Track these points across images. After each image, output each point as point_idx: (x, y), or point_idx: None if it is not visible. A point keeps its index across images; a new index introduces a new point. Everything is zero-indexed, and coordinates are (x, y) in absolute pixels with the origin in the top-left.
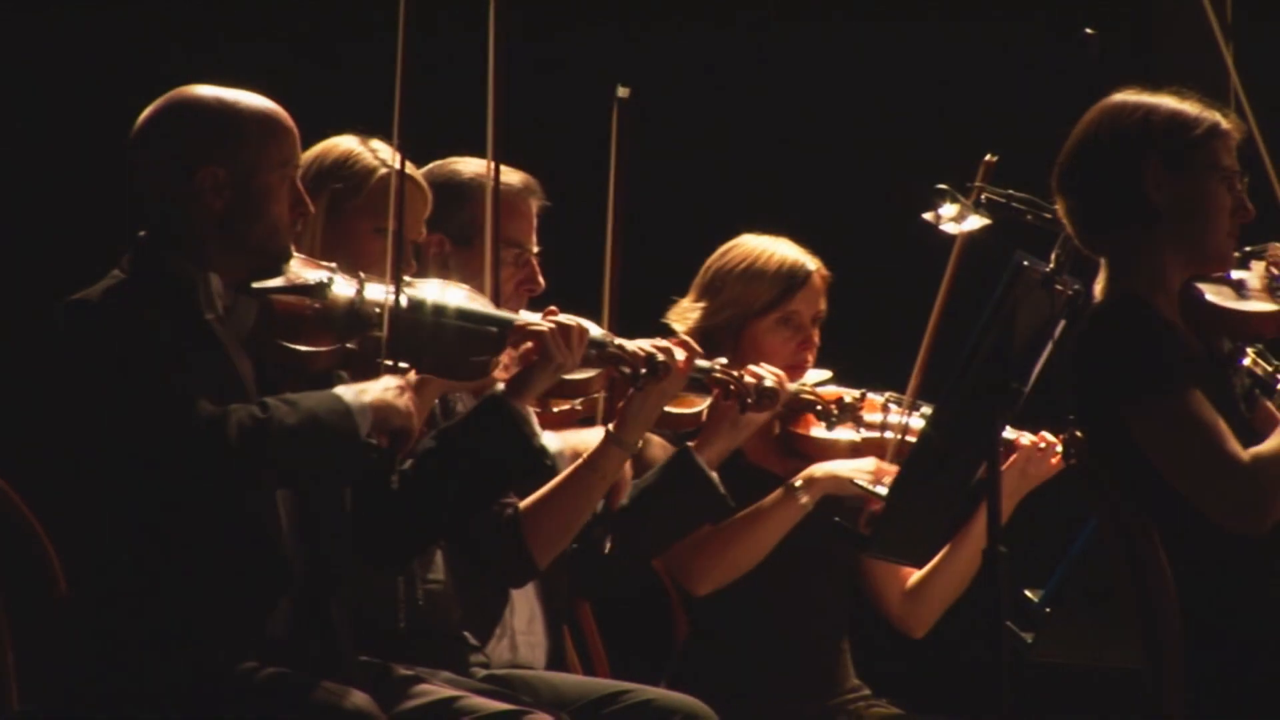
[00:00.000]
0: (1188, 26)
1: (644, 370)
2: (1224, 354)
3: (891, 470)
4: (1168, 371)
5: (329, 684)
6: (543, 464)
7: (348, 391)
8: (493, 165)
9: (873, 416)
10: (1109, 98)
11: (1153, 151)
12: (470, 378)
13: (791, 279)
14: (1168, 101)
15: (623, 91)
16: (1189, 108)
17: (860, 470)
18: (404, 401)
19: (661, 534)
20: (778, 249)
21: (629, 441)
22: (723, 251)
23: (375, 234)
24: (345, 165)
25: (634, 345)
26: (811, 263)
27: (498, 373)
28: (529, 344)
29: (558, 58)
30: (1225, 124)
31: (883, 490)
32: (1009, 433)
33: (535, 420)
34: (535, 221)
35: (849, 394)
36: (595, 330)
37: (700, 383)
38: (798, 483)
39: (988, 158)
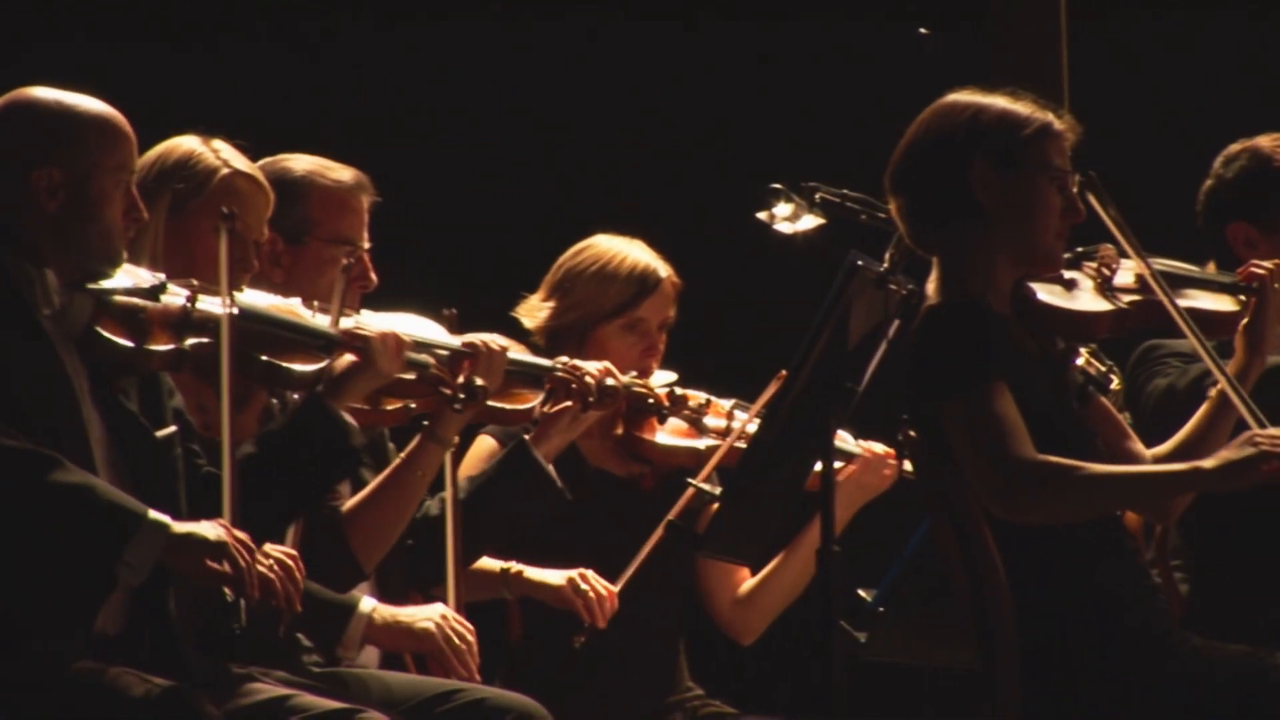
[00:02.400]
0: (1024, 26)
1: (463, 396)
2: (1058, 353)
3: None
4: (979, 368)
5: (167, 682)
6: (359, 461)
7: (160, 514)
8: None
9: (716, 422)
10: (942, 98)
11: (980, 151)
12: (300, 387)
13: (642, 284)
14: (999, 102)
15: None
16: (1020, 108)
17: (554, 584)
18: (215, 534)
19: (497, 527)
20: (630, 253)
21: (446, 437)
22: (576, 251)
23: (216, 235)
24: (187, 166)
25: (453, 337)
26: (663, 269)
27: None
28: (354, 352)
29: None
30: (1058, 124)
31: (718, 490)
32: (849, 444)
33: (353, 421)
34: (367, 218)
35: (694, 396)
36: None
37: (532, 377)
38: (511, 569)
39: None
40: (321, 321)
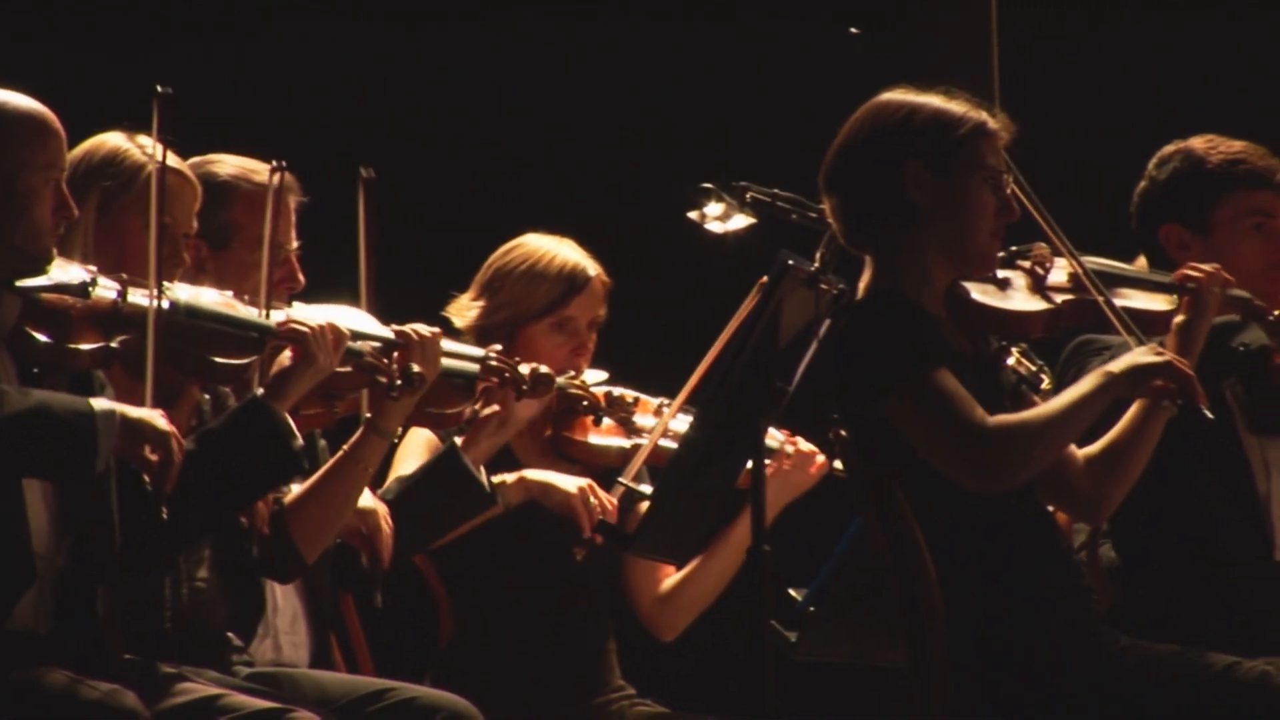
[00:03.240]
0: (955, 25)
1: (399, 382)
2: (990, 352)
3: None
4: (920, 357)
5: (97, 683)
6: (300, 467)
7: (102, 400)
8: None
9: (646, 421)
10: (876, 97)
11: (914, 151)
12: (231, 381)
13: (571, 283)
14: (933, 101)
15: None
16: (954, 107)
17: (566, 489)
18: (160, 422)
19: (425, 529)
20: (560, 252)
21: (388, 429)
22: (505, 250)
23: (146, 230)
24: (113, 162)
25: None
26: (592, 268)
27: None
28: (289, 346)
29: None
30: (992, 124)
31: (648, 489)
32: (773, 440)
33: (294, 422)
34: (294, 218)
35: (624, 394)
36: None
37: (468, 386)
38: (508, 479)
39: None
40: (257, 314)
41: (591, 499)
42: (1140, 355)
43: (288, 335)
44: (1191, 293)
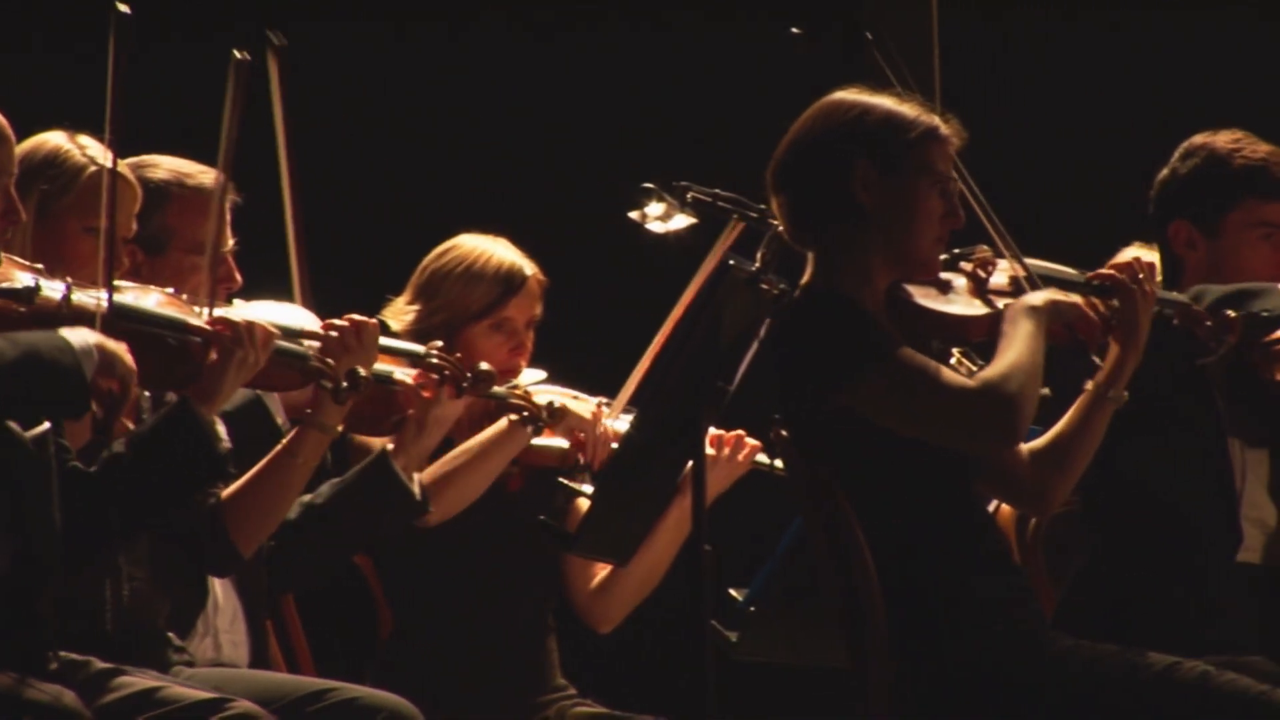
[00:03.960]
0: (897, 26)
1: (345, 384)
2: (931, 355)
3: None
4: (879, 340)
5: (38, 683)
6: (224, 470)
7: (70, 331)
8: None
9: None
10: (828, 96)
11: (863, 151)
12: (182, 385)
13: (509, 283)
14: (885, 103)
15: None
16: (906, 110)
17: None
18: (130, 359)
19: (354, 536)
20: (496, 252)
21: (328, 425)
22: (440, 252)
23: (85, 233)
24: (53, 164)
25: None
26: (529, 267)
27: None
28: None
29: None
30: (943, 129)
31: (589, 489)
32: None
33: (221, 425)
34: (230, 218)
35: (564, 407)
36: (299, 317)
37: (408, 361)
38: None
39: None
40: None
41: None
42: (1049, 292)
43: (215, 334)
44: (1113, 291)
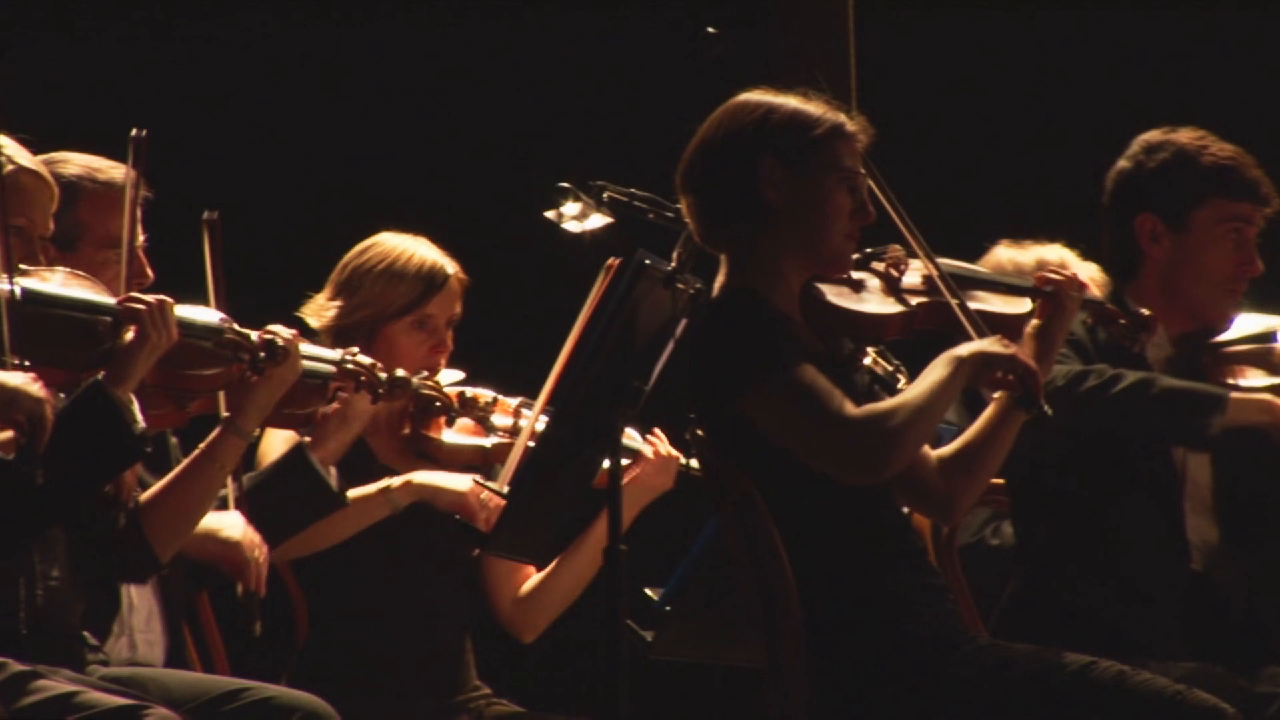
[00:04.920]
0: (811, 26)
1: (262, 354)
2: (845, 354)
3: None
4: (776, 352)
5: None
6: (140, 450)
7: None
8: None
9: (504, 420)
10: (735, 97)
11: (769, 150)
12: (93, 367)
13: (430, 282)
14: (791, 102)
15: None
16: (812, 108)
17: (456, 489)
18: (35, 389)
19: (273, 529)
20: (417, 250)
21: (246, 429)
22: (361, 249)
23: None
24: None
25: (250, 331)
26: (450, 266)
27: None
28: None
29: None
30: (849, 126)
31: (505, 489)
32: (634, 441)
33: (136, 406)
34: (140, 213)
35: (481, 395)
36: (212, 317)
37: (323, 387)
38: (394, 483)
39: None
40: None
41: (484, 494)
42: (988, 343)
43: (124, 314)
44: (1049, 296)
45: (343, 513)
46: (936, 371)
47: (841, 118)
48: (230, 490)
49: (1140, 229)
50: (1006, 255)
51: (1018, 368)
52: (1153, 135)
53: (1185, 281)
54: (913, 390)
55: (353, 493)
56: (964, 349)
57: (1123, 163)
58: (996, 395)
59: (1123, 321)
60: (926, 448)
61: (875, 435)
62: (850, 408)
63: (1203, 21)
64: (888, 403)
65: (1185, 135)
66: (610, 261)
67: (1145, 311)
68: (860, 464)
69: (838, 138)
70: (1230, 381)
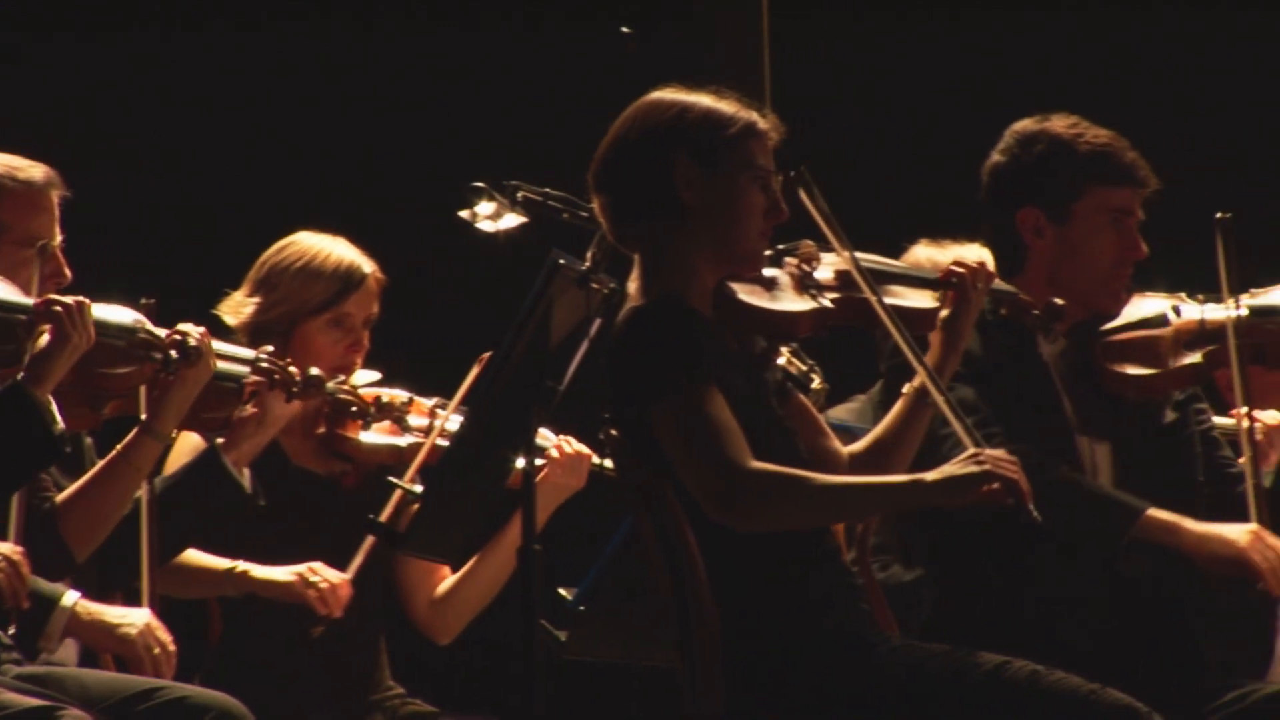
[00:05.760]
0: (728, 25)
1: (174, 354)
2: (758, 352)
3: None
4: (688, 369)
5: None
6: (60, 450)
7: None
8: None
9: (420, 420)
10: (646, 96)
11: (683, 149)
12: (6, 366)
13: (347, 280)
14: (704, 100)
15: None
16: (724, 106)
17: (282, 581)
18: None
19: (186, 531)
20: (334, 249)
21: (162, 432)
22: (279, 247)
23: None
24: None
25: (162, 330)
26: (367, 265)
27: None
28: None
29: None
30: (762, 124)
31: (419, 488)
32: (545, 441)
33: (55, 406)
34: (58, 213)
35: (396, 396)
36: (125, 316)
37: (239, 389)
38: (237, 568)
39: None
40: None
41: (313, 578)
42: (959, 467)
43: (42, 314)
44: (955, 288)
45: (198, 575)
46: (893, 481)
47: (754, 115)
48: (145, 492)
49: (1023, 223)
50: (925, 254)
51: (998, 479)
52: (1026, 125)
53: (1071, 272)
54: (849, 481)
55: (205, 559)
56: (933, 475)
57: (998, 156)
58: (906, 390)
59: (1036, 312)
60: (838, 444)
61: (760, 497)
62: (747, 456)
63: (1095, 14)
64: (811, 476)
65: (1059, 124)
66: (482, 356)
67: (1059, 301)
68: (727, 512)
69: (751, 136)
70: (1119, 370)
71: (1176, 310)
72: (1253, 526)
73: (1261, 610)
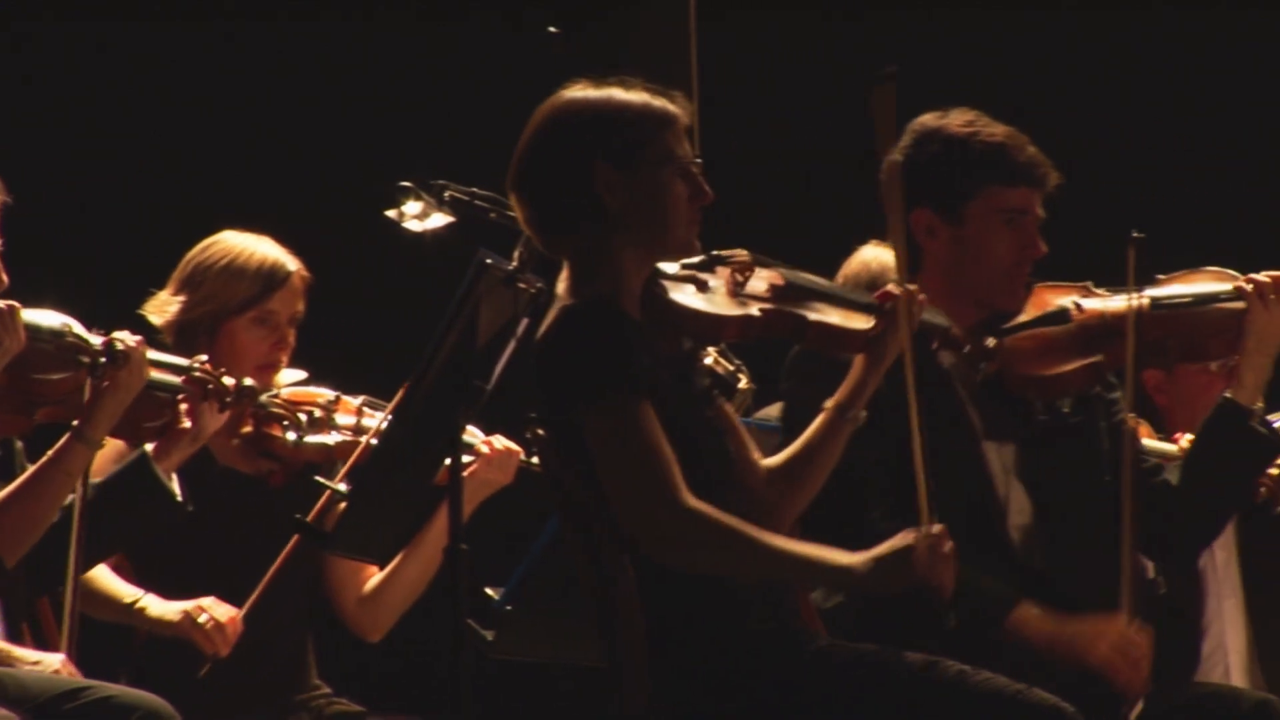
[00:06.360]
0: (654, 24)
1: (103, 359)
2: (686, 353)
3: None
4: (620, 377)
5: None
6: None
7: None
8: None
9: (347, 419)
10: (557, 95)
11: (600, 155)
12: None
13: (271, 278)
14: (614, 97)
15: None
16: (633, 101)
17: (173, 619)
18: None
19: (115, 536)
20: (259, 248)
21: (94, 438)
22: (204, 246)
23: None
24: None
25: (92, 335)
26: (292, 263)
27: None
28: None
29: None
30: (673, 110)
31: (345, 488)
32: (472, 438)
33: None
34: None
35: (322, 394)
36: (54, 320)
37: (171, 399)
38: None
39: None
40: None
41: (201, 618)
42: (890, 565)
43: None
44: (888, 315)
45: (107, 602)
46: (824, 562)
47: (665, 104)
48: (77, 497)
49: (917, 224)
50: (872, 254)
51: (918, 584)
52: (925, 121)
53: (968, 273)
54: (782, 547)
55: (113, 586)
56: (864, 563)
57: (895, 156)
58: (826, 405)
59: (967, 350)
60: (758, 456)
61: (694, 543)
62: (685, 493)
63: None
64: (744, 530)
65: (955, 121)
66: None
67: (990, 342)
68: (657, 547)
69: (665, 127)
70: (1020, 373)
71: (1078, 306)
72: (1120, 624)
73: (1187, 609)
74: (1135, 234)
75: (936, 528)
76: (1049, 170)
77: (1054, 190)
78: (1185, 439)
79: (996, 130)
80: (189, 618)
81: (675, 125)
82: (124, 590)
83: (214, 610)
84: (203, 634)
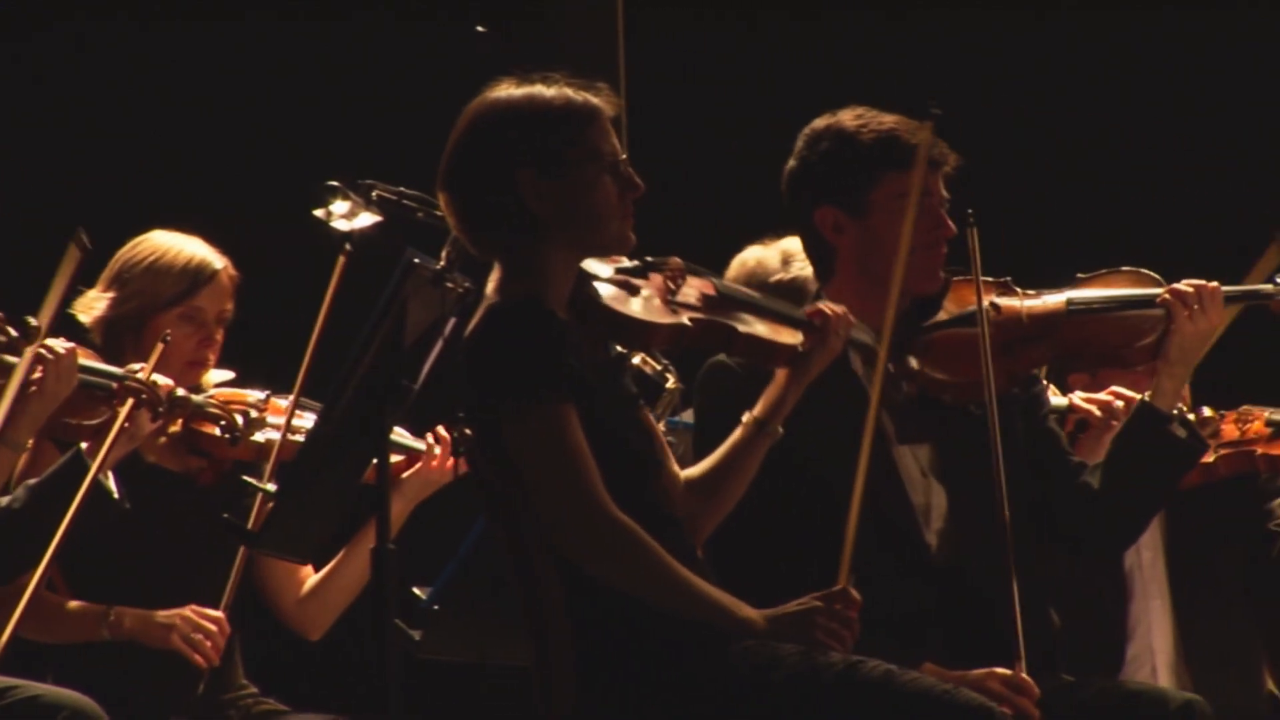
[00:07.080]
0: (582, 23)
1: (15, 334)
2: (614, 355)
3: None
4: (545, 379)
5: None
6: None
7: None
8: None
9: (277, 419)
10: (481, 97)
11: (524, 161)
12: None
13: (198, 275)
14: (537, 97)
15: None
16: (554, 100)
17: (164, 625)
18: None
19: (51, 533)
20: (186, 246)
21: (18, 441)
22: (132, 245)
23: None
24: None
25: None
26: (219, 261)
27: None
28: None
29: None
30: (596, 103)
31: (272, 487)
32: (409, 439)
33: None
34: None
35: (252, 395)
36: None
37: (106, 398)
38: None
39: None
40: None
41: (194, 635)
42: (794, 626)
43: None
44: (817, 331)
45: (64, 619)
46: (730, 612)
47: (589, 99)
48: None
49: (823, 223)
50: (754, 255)
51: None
52: (817, 124)
53: (879, 263)
54: (695, 584)
55: (76, 604)
56: (766, 620)
57: (791, 162)
58: (745, 419)
59: (890, 368)
60: (677, 468)
61: (612, 552)
62: (609, 502)
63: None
64: (661, 556)
65: (846, 117)
66: None
67: (914, 364)
68: (576, 551)
69: (589, 124)
70: (933, 376)
71: (995, 307)
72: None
73: (1113, 610)
74: (969, 211)
75: (847, 589)
76: (945, 150)
77: (953, 171)
78: (1078, 394)
79: (886, 119)
80: (185, 629)
81: (600, 120)
82: (89, 604)
83: (201, 620)
84: (193, 648)
